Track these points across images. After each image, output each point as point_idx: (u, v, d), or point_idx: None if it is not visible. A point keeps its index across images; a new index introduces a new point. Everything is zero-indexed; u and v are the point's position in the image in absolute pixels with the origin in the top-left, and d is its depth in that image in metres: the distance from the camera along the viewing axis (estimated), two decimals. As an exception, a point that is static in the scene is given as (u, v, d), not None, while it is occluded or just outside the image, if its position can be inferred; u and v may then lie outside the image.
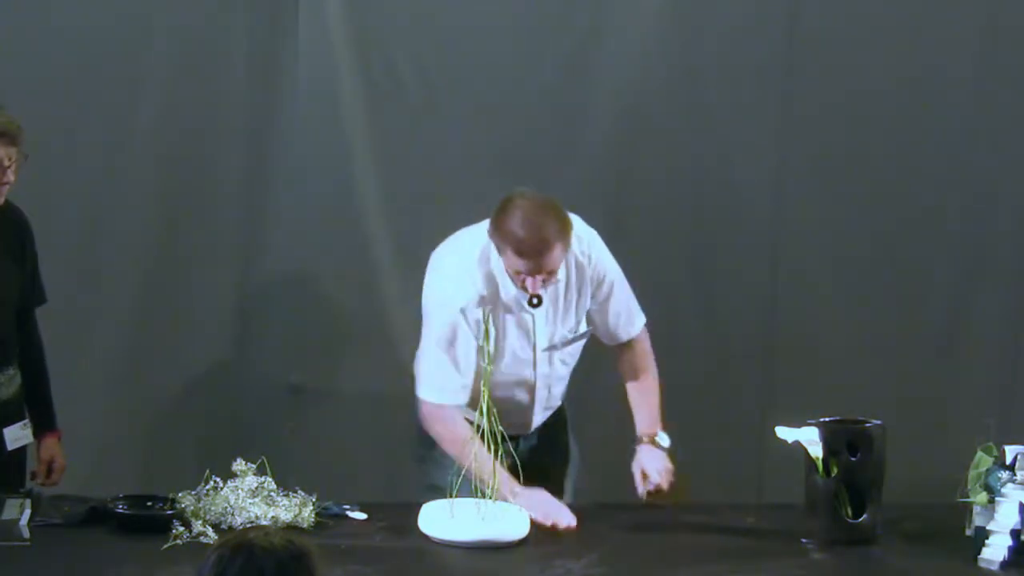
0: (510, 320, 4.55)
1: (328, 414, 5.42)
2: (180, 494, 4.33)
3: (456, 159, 5.46)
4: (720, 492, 5.37)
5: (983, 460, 4.31)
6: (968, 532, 4.36)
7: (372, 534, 4.34)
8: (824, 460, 4.36)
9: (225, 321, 5.43)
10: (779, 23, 5.53)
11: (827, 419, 4.43)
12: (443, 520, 4.29)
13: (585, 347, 5.54)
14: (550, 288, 4.52)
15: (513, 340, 4.59)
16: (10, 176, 4.41)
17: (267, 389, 5.39)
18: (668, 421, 5.58)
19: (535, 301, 4.51)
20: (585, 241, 4.59)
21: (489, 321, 4.39)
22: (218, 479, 4.33)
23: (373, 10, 5.39)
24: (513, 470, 4.41)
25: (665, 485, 4.59)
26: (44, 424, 4.66)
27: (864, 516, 4.37)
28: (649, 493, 4.59)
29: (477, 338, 4.49)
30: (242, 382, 5.41)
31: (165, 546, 4.10)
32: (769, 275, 5.61)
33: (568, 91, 5.48)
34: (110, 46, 5.29)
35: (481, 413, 4.30)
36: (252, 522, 4.24)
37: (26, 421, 4.60)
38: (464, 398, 4.53)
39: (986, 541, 4.25)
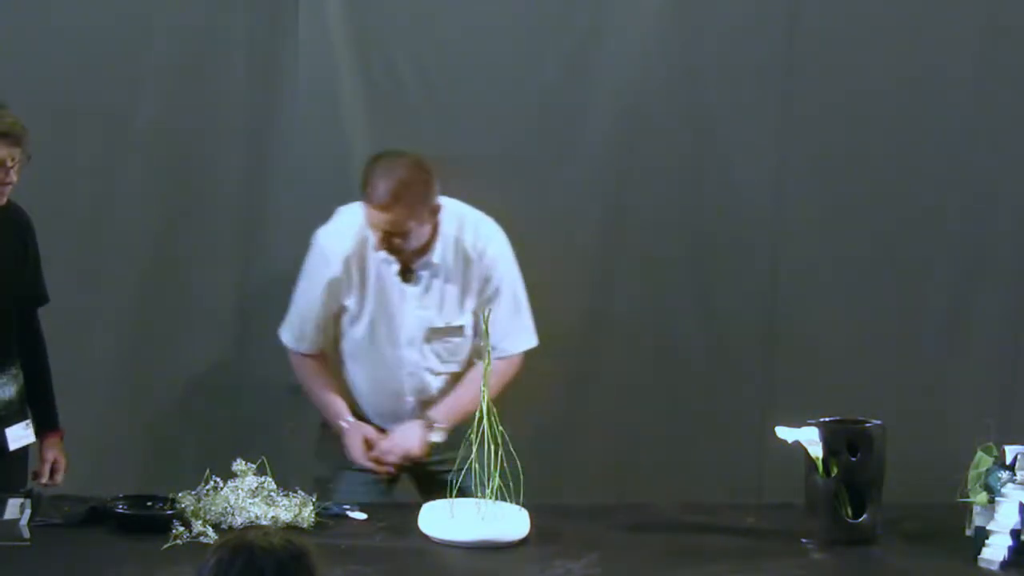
0: (377, 292, 4.61)
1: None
2: (180, 494, 4.33)
3: (456, 159, 5.45)
4: (720, 492, 5.37)
5: (983, 460, 4.31)
6: (968, 532, 4.36)
7: (372, 534, 4.35)
8: (824, 460, 4.36)
9: (225, 321, 5.42)
10: (779, 23, 5.52)
11: (827, 419, 4.43)
12: (443, 520, 4.30)
13: (583, 350, 5.56)
14: (429, 272, 4.56)
15: (380, 312, 4.61)
16: (12, 177, 4.41)
17: (267, 389, 5.38)
18: (668, 421, 5.60)
19: (408, 276, 4.53)
20: (483, 238, 4.64)
21: (488, 320, 4.39)
22: (218, 479, 4.34)
23: (373, 10, 5.39)
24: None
25: (392, 459, 4.58)
26: (46, 424, 4.66)
27: (864, 516, 4.37)
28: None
29: (342, 300, 4.61)
30: (242, 382, 5.41)
31: (165, 546, 4.10)
32: (769, 275, 5.61)
33: (568, 91, 5.48)
34: (110, 46, 5.29)
35: (481, 413, 4.30)
36: (252, 522, 4.24)
37: (28, 421, 4.60)
38: (306, 348, 4.71)
39: (986, 541, 4.25)
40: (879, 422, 4.44)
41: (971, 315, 5.69)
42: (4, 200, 4.44)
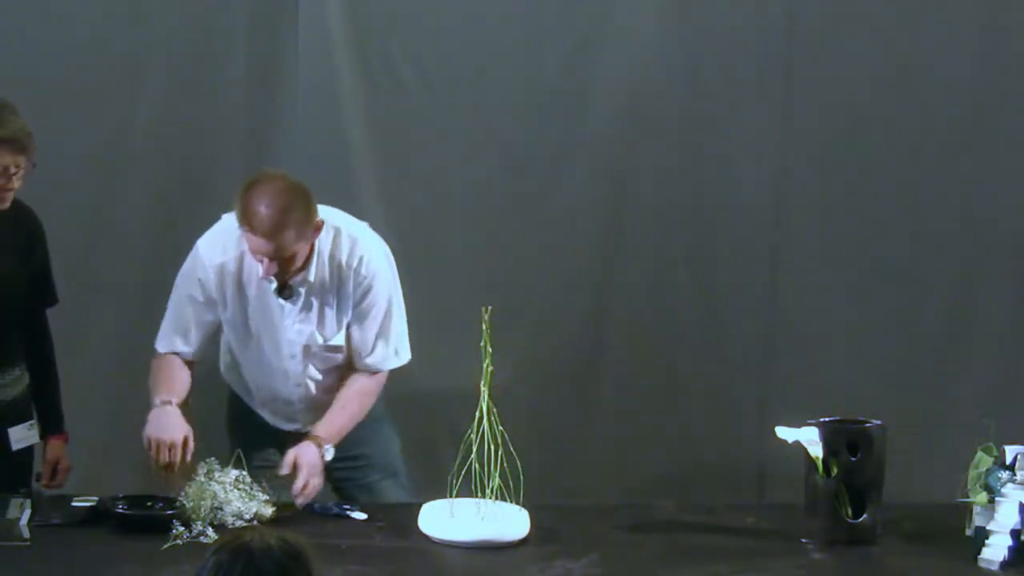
0: (258, 303, 4.55)
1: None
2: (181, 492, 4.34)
3: (456, 159, 5.46)
4: (720, 492, 5.37)
5: (983, 460, 4.31)
6: (968, 532, 4.36)
7: (372, 534, 4.34)
8: (824, 460, 4.36)
9: (225, 321, 5.42)
10: (779, 23, 5.53)
11: (827, 419, 4.43)
12: (443, 520, 4.30)
13: (583, 349, 5.57)
14: (306, 289, 4.51)
15: (263, 326, 4.58)
16: (15, 183, 4.39)
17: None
18: (668, 420, 5.61)
19: (286, 293, 4.51)
20: (356, 253, 4.55)
21: (488, 321, 4.39)
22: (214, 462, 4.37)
23: (373, 10, 5.39)
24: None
25: (306, 488, 4.46)
26: (51, 426, 4.66)
27: (864, 516, 4.37)
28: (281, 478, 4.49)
29: (217, 309, 4.55)
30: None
31: (165, 546, 4.10)
32: (769, 275, 5.62)
33: (568, 91, 5.48)
34: (110, 46, 5.29)
35: (481, 413, 4.31)
36: (239, 516, 4.26)
37: (32, 422, 4.60)
38: (168, 349, 4.60)
39: (986, 541, 4.25)
40: (879, 422, 4.44)
41: (971, 315, 5.69)
42: (5, 205, 4.43)
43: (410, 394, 5.45)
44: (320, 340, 4.61)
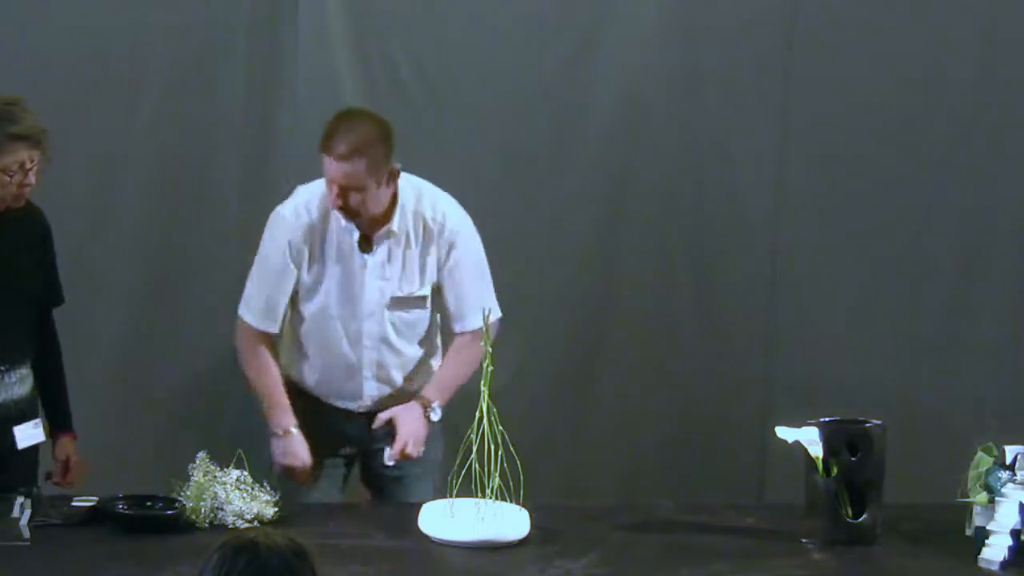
0: (337, 263, 4.63)
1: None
2: (183, 489, 4.34)
3: (456, 158, 5.46)
4: (720, 492, 5.37)
5: (983, 460, 4.31)
6: (968, 532, 4.36)
7: (372, 534, 4.34)
8: (824, 460, 4.36)
9: (225, 321, 5.41)
10: (779, 24, 5.53)
11: (827, 419, 4.43)
12: (443, 520, 4.30)
13: (583, 349, 5.56)
14: (389, 242, 4.58)
15: (339, 284, 4.63)
16: (31, 179, 4.41)
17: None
18: (668, 421, 5.60)
19: (366, 247, 4.57)
20: (441, 210, 4.65)
21: (488, 321, 4.39)
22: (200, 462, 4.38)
23: (373, 10, 5.39)
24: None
25: (414, 453, 4.58)
26: (59, 424, 4.66)
27: (864, 516, 4.37)
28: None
29: (300, 271, 4.63)
30: (242, 382, 5.40)
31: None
32: (769, 275, 5.62)
33: (568, 91, 5.48)
34: (110, 46, 5.29)
35: (481, 413, 4.31)
36: (240, 516, 4.26)
37: (38, 420, 4.60)
38: (272, 327, 4.69)
39: (986, 541, 4.25)
40: (879, 422, 4.44)
41: (971, 314, 5.69)
42: (22, 202, 4.45)
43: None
44: (400, 291, 4.63)
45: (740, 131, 5.55)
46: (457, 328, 4.74)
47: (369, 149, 4.52)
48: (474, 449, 4.30)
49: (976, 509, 4.31)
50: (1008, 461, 4.27)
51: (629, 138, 5.52)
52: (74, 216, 5.31)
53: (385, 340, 4.70)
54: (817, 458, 4.36)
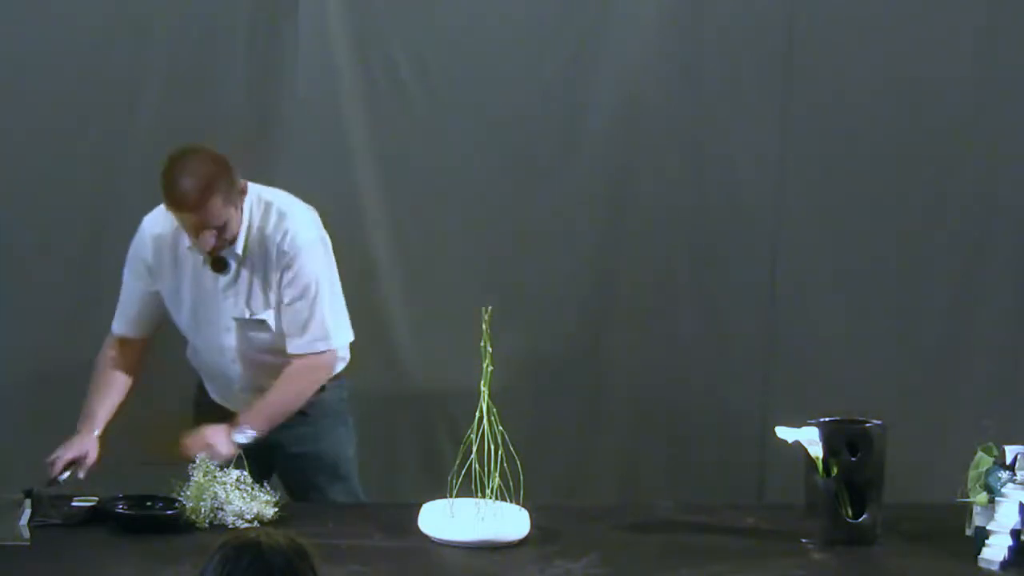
0: (192, 280, 4.61)
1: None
2: (183, 489, 4.35)
3: (456, 158, 5.46)
4: (720, 492, 5.37)
5: (983, 460, 4.31)
6: (968, 532, 4.36)
7: (372, 534, 4.35)
8: (824, 460, 4.36)
9: (225, 321, 5.42)
10: (779, 23, 5.53)
11: (827, 419, 4.44)
12: (443, 520, 4.30)
13: (583, 349, 5.56)
14: (234, 262, 4.54)
15: (199, 299, 4.62)
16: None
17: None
18: (668, 421, 5.60)
19: (218, 266, 4.54)
20: (283, 226, 4.56)
21: (488, 321, 4.39)
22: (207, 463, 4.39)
23: (373, 9, 5.39)
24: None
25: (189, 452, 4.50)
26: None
27: (864, 516, 4.37)
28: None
29: (156, 284, 4.64)
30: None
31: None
32: (769, 275, 5.61)
33: (568, 90, 5.48)
34: (110, 46, 5.29)
35: (481, 413, 4.31)
36: (240, 516, 4.26)
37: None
38: (120, 329, 4.72)
39: (986, 541, 4.25)
40: (879, 422, 4.44)
41: (971, 315, 5.69)
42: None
43: (410, 394, 5.46)
44: (247, 314, 4.60)
45: (740, 131, 5.55)
46: (288, 347, 4.65)
47: (216, 185, 4.43)
48: (474, 449, 4.30)
49: (976, 509, 4.31)
50: (1008, 461, 4.27)
51: (629, 138, 5.52)
52: (75, 216, 5.31)
53: (246, 355, 4.67)
54: (817, 458, 4.36)
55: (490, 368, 4.35)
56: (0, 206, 5.29)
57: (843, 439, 4.38)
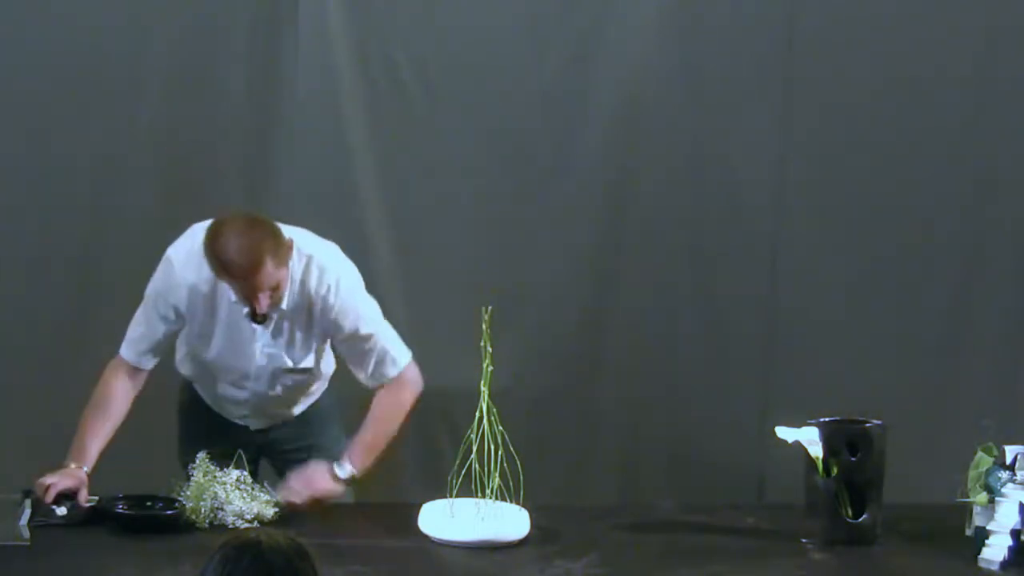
0: (227, 326, 4.52)
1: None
2: (183, 489, 4.35)
3: (456, 158, 5.46)
4: (720, 492, 5.37)
5: (983, 460, 4.31)
6: (968, 532, 4.36)
7: (372, 534, 4.35)
8: (824, 460, 4.36)
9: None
10: (779, 23, 5.53)
11: (827, 419, 4.44)
12: (443, 520, 4.30)
13: (583, 349, 5.57)
14: (276, 314, 4.47)
15: (232, 347, 4.55)
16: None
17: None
18: (668, 421, 5.60)
19: (259, 318, 4.45)
20: (326, 282, 4.51)
21: (488, 321, 4.39)
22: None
23: (373, 10, 5.39)
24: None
25: (297, 501, 4.44)
26: None
27: (864, 516, 4.37)
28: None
29: (186, 323, 4.53)
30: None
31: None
32: (769, 275, 5.62)
33: (568, 91, 5.48)
34: (110, 46, 5.29)
35: (481, 413, 4.31)
36: (240, 516, 4.27)
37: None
38: (137, 361, 4.58)
39: (986, 541, 4.25)
40: (879, 422, 4.44)
41: (971, 315, 5.70)
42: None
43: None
44: (289, 363, 4.59)
45: (740, 131, 5.55)
46: (371, 385, 4.65)
47: (266, 247, 4.34)
48: (474, 449, 4.31)
49: (976, 509, 4.31)
50: (1008, 461, 4.27)
51: (629, 138, 5.52)
52: (75, 216, 5.32)
53: (269, 396, 4.65)
54: (817, 458, 4.36)
55: (490, 368, 4.35)
56: (0, 206, 5.29)
57: (843, 439, 4.38)
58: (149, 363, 4.62)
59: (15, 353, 5.30)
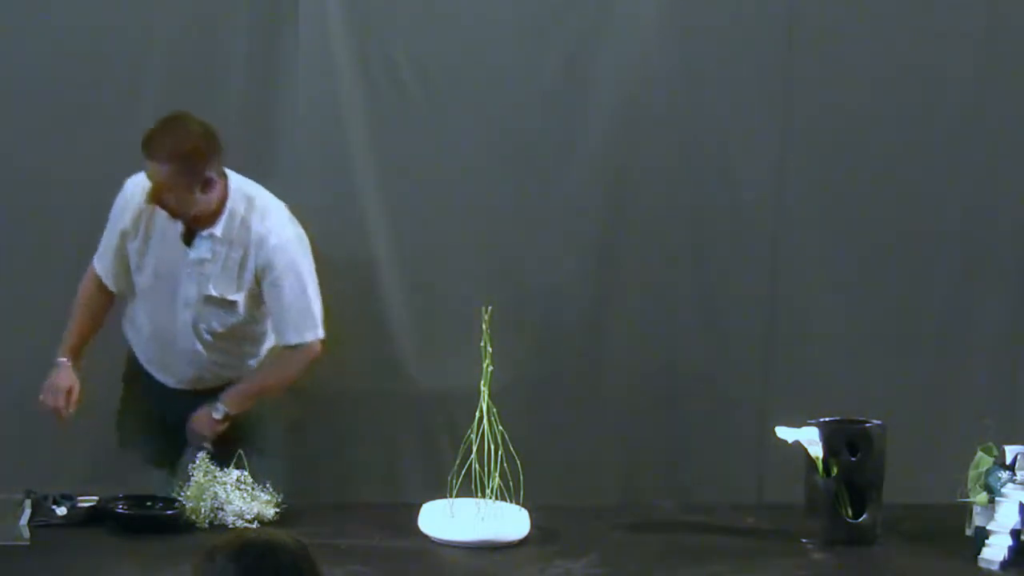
0: (161, 248, 4.76)
1: (328, 414, 5.42)
2: (183, 489, 4.35)
3: (456, 158, 5.46)
4: (720, 492, 5.37)
5: (983, 460, 4.31)
6: (968, 532, 4.36)
7: (372, 534, 4.35)
8: (824, 460, 4.36)
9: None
10: (779, 23, 5.52)
11: (827, 419, 4.44)
12: (443, 520, 4.30)
13: (583, 349, 5.56)
14: (212, 243, 4.70)
15: (163, 266, 4.77)
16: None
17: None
18: (668, 421, 5.60)
19: (188, 240, 4.70)
20: (268, 224, 4.74)
21: (488, 321, 4.39)
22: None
23: (373, 10, 5.39)
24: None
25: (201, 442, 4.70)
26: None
27: (864, 516, 4.37)
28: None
29: (127, 244, 4.82)
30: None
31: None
32: (769, 275, 5.61)
33: (568, 91, 5.48)
34: (110, 46, 5.29)
35: (481, 413, 4.31)
36: (240, 516, 4.27)
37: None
38: (107, 279, 4.93)
39: (986, 541, 4.25)
40: (879, 422, 4.45)
41: (971, 315, 5.69)
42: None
43: (410, 394, 5.45)
44: (214, 292, 4.73)
45: (740, 131, 5.55)
46: (276, 340, 4.85)
47: (179, 156, 4.63)
48: (474, 449, 4.31)
49: (976, 509, 4.32)
50: (1008, 461, 4.27)
51: (629, 137, 5.52)
52: (74, 216, 5.31)
53: (199, 333, 4.79)
54: (817, 458, 4.36)
55: (490, 368, 4.35)
56: (0, 206, 5.30)
57: (843, 439, 4.39)
58: (110, 282, 4.89)
59: (15, 352, 5.29)
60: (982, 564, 4.24)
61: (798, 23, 5.53)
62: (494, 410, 4.32)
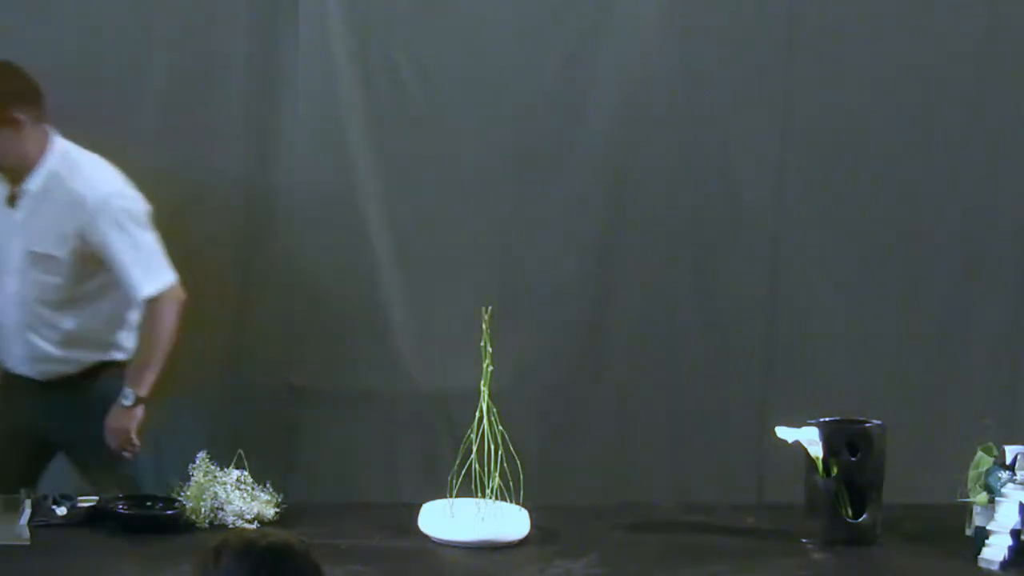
0: None
1: (328, 414, 5.42)
2: (183, 489, 4.35)
3: (456, 158, 5.46)
4: (720, 492, 5.37)
5: (983, 460, 4.31)
6: (968, 532, 4.36)
7: (372, 534, 4.35)
8: (824, 460, 4.36)
9: (225, 321, 5.43)
10: (779, 23, 5.53)
11: (827, 419, 4.44)
12: (443, 520, 4.30)
13: (583, 349, 5.57)
14: (34, 201, 4.74)
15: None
16: None
17: (267, 388, 5.39)
18: (668, 421, 5.60)
19: (12, 201, 4.76)
20: (84, 180, 4.78)
21: (488, 321, 4.39)
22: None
23: (373, 10, 5.39)
24: None
25: (118, 445, 4.75)
26: None
27: (864, 516, 4.37)
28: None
29: None
30: (242, 381, 5.41)
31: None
32: (769, 275, 5.61)
33: (568, 91, 5.48)
34: (109, 46, 5.29)
35: (481, 413, 4.31)
36: (240, 516, 4.27)
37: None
38: None
39: (986, 541, 4.25)
40: (879, 422, 4.45)
41: (971, 315, 5.69)
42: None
43: (410, 394, 5.45)
44: (36, 248, 4.76)
45: (740, 131, 5.55)
46: (141, 294, 4.83)
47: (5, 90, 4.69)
48: (474, 449, 4.31)
49: (976, 509, 4.32)
50: (1008, 461, 4.27)
51: (629, 138, 5.52)
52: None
53: (27, 300, 4.81)
54: (817, 458, 4.36)
55: (490, 368, 4.35)
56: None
57: (843, 439, 4.39)
58: None
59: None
60: (982, 564, 4.24)
61: (798, 23, 5.54)
62: (494, 410, 4.32)
